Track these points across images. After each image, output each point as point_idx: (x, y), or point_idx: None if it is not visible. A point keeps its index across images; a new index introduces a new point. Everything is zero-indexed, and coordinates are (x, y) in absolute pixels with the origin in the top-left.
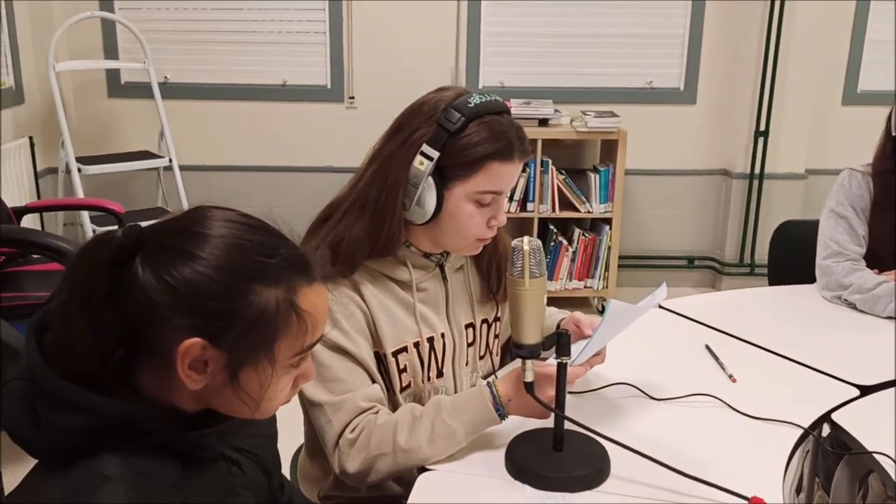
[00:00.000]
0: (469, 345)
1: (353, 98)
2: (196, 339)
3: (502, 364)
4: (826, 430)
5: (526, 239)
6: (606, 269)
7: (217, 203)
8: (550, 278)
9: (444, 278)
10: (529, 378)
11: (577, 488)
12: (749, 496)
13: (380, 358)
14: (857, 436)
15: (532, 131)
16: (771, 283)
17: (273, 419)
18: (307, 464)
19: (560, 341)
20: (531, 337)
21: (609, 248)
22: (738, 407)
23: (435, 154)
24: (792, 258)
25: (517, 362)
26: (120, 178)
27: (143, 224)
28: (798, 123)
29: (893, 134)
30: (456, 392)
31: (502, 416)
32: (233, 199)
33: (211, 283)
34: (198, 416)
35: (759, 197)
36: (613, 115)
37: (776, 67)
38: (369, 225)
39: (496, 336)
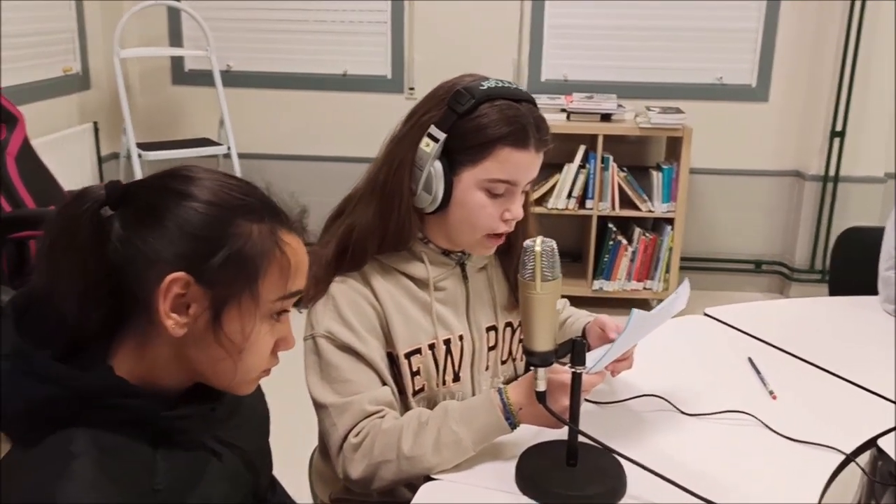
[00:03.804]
0: (490, 348)
1: (412, 89)
2: (180, 273)
3: (527, 369)
4: (871, 455)
5: (539, 239)
6: (667, 270)
7: (274, 190)
8: (609, 278)
9: (465, 277)
10: (542, 387)
11: None
12: None
13: (392, 359)
14: None
15: (593, 126)
16: (833, 292)
17: (265, 415)
18: (321, 464)
19: (574, 349)
20: (543, 344)
21: (671, 249)
22: (775, 427)
23: (441, 136)
24: (857, 266)
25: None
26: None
27: None
28: (878, 124)
29: None
30: (474, 395)
31: (513, 426)
32: (288, 188)
33: (196, 215)
34: (180, 399)
35: (833, 200)
36: (679, 111)
37: (855, 66)
38: (378, 210)
39: (521, 340)
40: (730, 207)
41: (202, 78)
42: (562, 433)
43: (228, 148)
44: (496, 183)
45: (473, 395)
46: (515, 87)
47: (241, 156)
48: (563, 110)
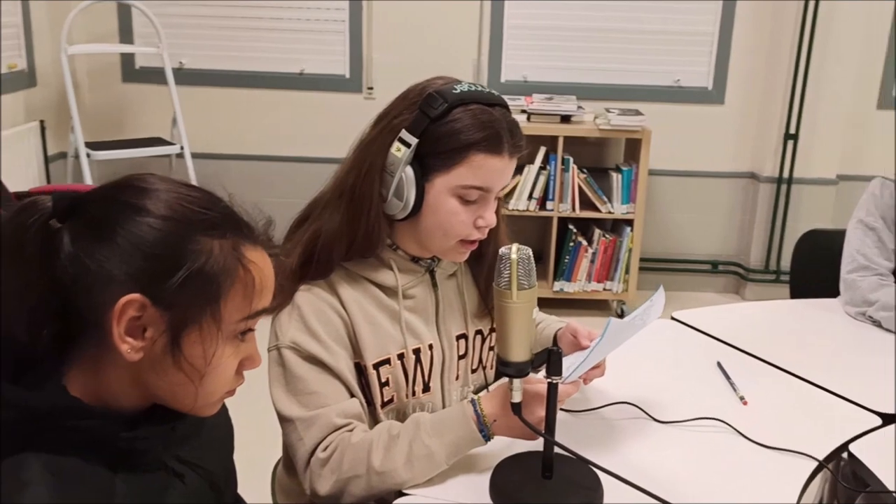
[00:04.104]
0: (460, 357)
1: (371, 89)
2: (135, 295)
3: (497, 378)
4: (843, 460)
5: (514, 247)
6: (627, 271)
7: (236, 200)
8: (569, 279)
9: (435, 285)
10: (517, 398)
11: None
12: None
13: (360, 369)
14: (875, 470)
15: (554, 128)
16: (793, 294)
17: (229, 433)
18: (285, 478)
19: (551, 359)
20: (519, 354)
21: (630, 250)
22: (747, 433)
23: (413, 140)
24: (816, 268)
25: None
26: (131, 165)
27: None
28: (830, 127)
29: None
30: (444, 408)
31: (487, 438)
32: (244, 189)
33: (151, 232)
34: (138, 418)
35: (787, 202)
36: (638, 113)
37: (808, 69)
38: (346, 216)
39: (491, 348)
40: (687, 209)
41: (154, 75)
42: (536, 444)
43: (181, 147)
44: (469, 189)
45: (444, 405)
46: (488, 90)
47: (195, 155)
48: (524, 111)
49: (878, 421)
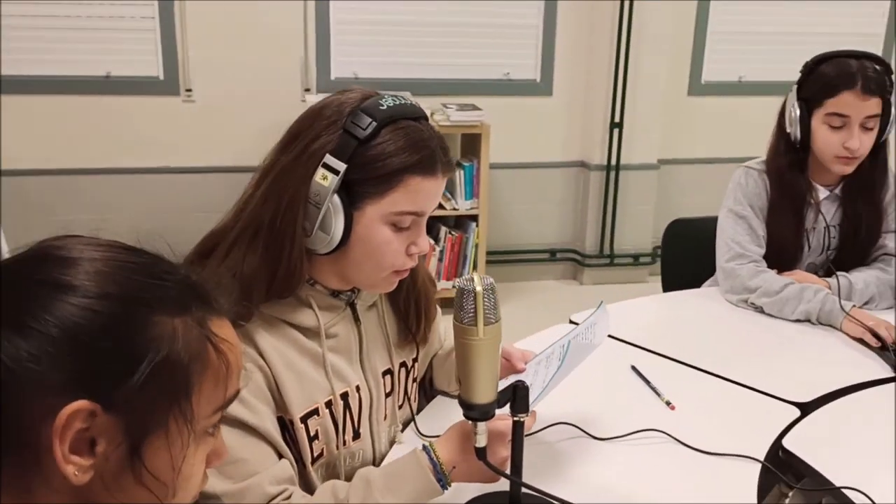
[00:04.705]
0: (387, 395)
1: (190, 91)
2: (82, 402)
3: (419, 408)
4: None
5: (476, 277)
6: (475, 266)
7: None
8: None
9: (357, 319)
10: (482, 443)
11: None
12: None
13: (283, 424)
14: (807, 458)
15: None
16: (665, 285)
17: None
18: None
19: (517, 395)
20: (485, 395)
21: (476, 245)
22: (686, 441)
23: (341, 166)
24: (684, 257)
25: (446, 412)
26: None
27: None
28: (650, 115)
29: (788, 130)
30: (374, 454)
31: (445, 487)
32: (53, 209)
33: (94, 317)
34: None
35: (616, 188)
36: (476, 108)
37: (628, 60)
38: (264, 257)
39: (414, 379)
40: (525, 200)
41: None
42: (495, 486)
43: None
44: (403, 216)
45: (374, 450)
46: (410, 102)
47: None
48: None
49: (797, 412)
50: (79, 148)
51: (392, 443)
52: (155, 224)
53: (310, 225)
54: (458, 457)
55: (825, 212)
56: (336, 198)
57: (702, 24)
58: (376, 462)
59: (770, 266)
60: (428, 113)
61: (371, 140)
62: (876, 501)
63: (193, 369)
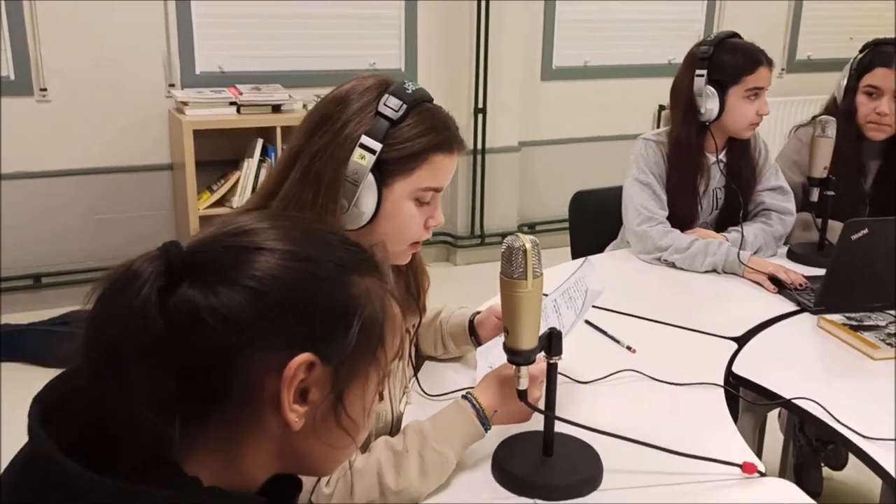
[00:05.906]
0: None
1: (45, 90)
2: (307, 355)
3: (417, 366)
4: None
5: (521, 236)
6: None
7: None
8: None
9: None
10: (524, 385)
11: (586, 490)
12: (739, 462)
13: None
14: (755, 380)
15: (267, 118)
16: (574, 252)
17: None
18: None
19: (552, 340)
20: (529, 341)
21: None
22: (658, 377)
23: (377, 146)
24: (587, 226)
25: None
26: None
27: None
28: (509, 100)
29: (701, 113)
30: (393, 413)
31: (487, 429)
32: None
33: (306, 276)
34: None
35: (483, 171)
36: None
37: (488, 48)
38: None
39: (415, 344)
40: None
41: None
42: (528, 426)
43: None
44: (426, 191)
45: (392, 410)
46: (422, 87)
47: None
48: (233, 103)
49: (735, 345)
50: None
51: (451, 403)
52: (14, 236)
53: (347, 202)
54: (497, 401)
55: (712, 176)
56: (370, 176)
57: (550, 12)
58: (395, 421)
59: (672, 226)
60: (300, 105)
61: (402, 122)
62: (825, 406)
63: (385, 323)
